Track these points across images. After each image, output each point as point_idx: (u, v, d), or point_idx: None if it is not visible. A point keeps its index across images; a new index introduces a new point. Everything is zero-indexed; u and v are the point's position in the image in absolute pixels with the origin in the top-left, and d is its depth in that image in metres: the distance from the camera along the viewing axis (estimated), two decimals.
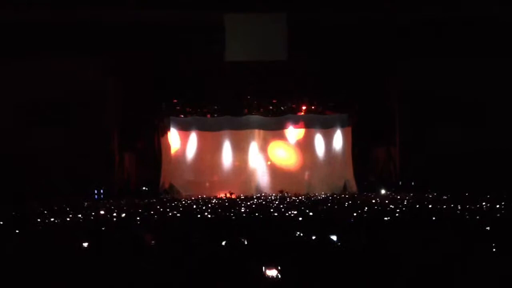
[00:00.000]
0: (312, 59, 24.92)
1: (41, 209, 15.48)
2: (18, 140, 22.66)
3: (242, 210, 13.87)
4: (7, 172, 21.74)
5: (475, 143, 22.84)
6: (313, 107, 29.66)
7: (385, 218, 9.73)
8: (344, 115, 29.82)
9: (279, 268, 3.96)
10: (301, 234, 6.68)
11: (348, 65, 25.74)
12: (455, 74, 23.39)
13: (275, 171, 30.12)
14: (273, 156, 30.54)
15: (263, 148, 30.40)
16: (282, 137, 30.58)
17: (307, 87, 27.98)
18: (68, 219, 11.52)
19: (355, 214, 11.06)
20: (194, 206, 16.63)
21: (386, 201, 16.86)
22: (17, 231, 8.29)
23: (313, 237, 6.13)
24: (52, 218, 11.70)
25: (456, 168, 22.21)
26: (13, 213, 13.22)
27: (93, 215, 12.96)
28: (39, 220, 11.07)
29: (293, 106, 29.81)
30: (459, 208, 12.57)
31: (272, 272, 3.88)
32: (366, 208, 13.33)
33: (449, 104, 23.58)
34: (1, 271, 4.67)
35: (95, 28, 21.96)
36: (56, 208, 16.07)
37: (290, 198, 22.94)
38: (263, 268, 3.95)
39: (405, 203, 15.87)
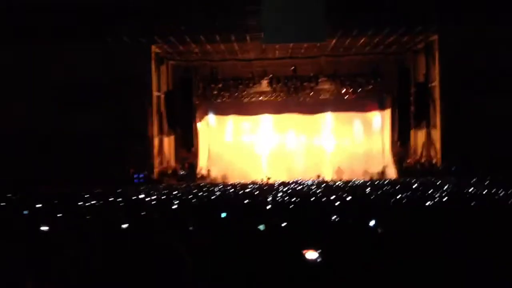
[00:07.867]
0: (350, 40, 24.58)
1: (82, 192, 15.75)
2: (59, 122, 23.10)
3: (279, 195, 13.82)
4: (48, 153, 22.25)
5: None
6: (351, 90, 29.10)
7: (426, 203, 9.53)
8: (383, 97, 29.34)
9: (318, 251, 3.91)
10: (338, 219, 6.58)
11: (386, 44, 25.39)
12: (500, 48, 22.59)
13: (312, 156, 29.91)
14: (311, 140, 30.34)
15: (301, 132, 30.23)
16: (320, 121, 30.30)
17: (346, 69, 27.71)
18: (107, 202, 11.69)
19: (394, 199, 10.86)
20: (231, 191, 16.67)
21: (426, 186, 16.50)
22: (59, 214, 8.42)
23: (350, 221, 6.05)
24: (92, 201, 11.89)
25: (498, 151, 21.62)
26: (54, 197, 13.47)
27: (132, 199, 13.13)
28: (80, 203, 11.26)
29: (332, 89, 29.35)
30: (500, 193, 12.19)
31: (312, 255, 3.82)
32: (405, 193, 13.09)
33: (492, 82, 22.80)
34: (45, 253, 4.75)
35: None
36: (96, 191, 16.34)
37: (328, 182, 22.75)
38: (303, 251, 3.91)
39: (446, 188, 15.51)
